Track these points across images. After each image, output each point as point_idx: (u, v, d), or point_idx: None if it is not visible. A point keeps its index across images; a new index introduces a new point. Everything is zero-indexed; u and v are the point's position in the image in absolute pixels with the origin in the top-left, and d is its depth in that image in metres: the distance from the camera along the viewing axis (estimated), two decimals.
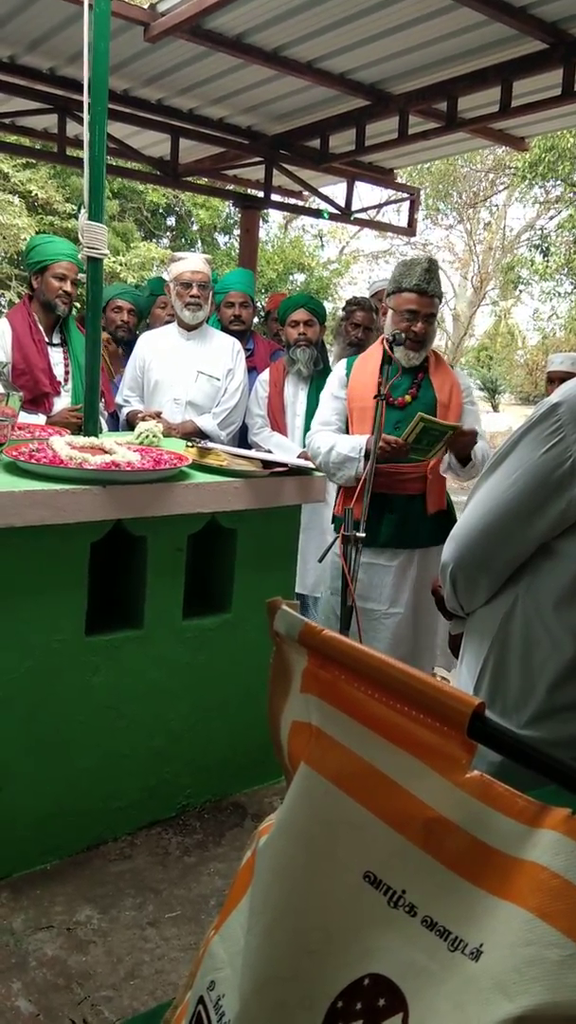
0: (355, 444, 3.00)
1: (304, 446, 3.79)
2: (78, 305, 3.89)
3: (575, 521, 1.32)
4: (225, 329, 4.33)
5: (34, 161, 12.82)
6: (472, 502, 1.45)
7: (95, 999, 1.94)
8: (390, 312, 3.09)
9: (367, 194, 16.26)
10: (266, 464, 2.82)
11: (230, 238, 17.27)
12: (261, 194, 7.02)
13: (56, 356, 3.66)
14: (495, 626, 1.45)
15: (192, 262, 3.89)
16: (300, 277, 18.22)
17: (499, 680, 1.44)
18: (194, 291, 3.82)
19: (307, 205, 7.83)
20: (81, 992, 1.96)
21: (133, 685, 2.55)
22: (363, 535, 2.74)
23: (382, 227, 9.50)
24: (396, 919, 0.69)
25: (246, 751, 2.86)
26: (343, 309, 4.37)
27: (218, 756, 2.81)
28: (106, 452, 2.59)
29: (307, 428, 3.89)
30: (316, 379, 4.03)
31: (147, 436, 2.93)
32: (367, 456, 2.89)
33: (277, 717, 0.86)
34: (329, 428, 3.18)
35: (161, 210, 16.55)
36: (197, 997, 0.80)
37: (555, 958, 0.58)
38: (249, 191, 7.40)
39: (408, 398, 3.09)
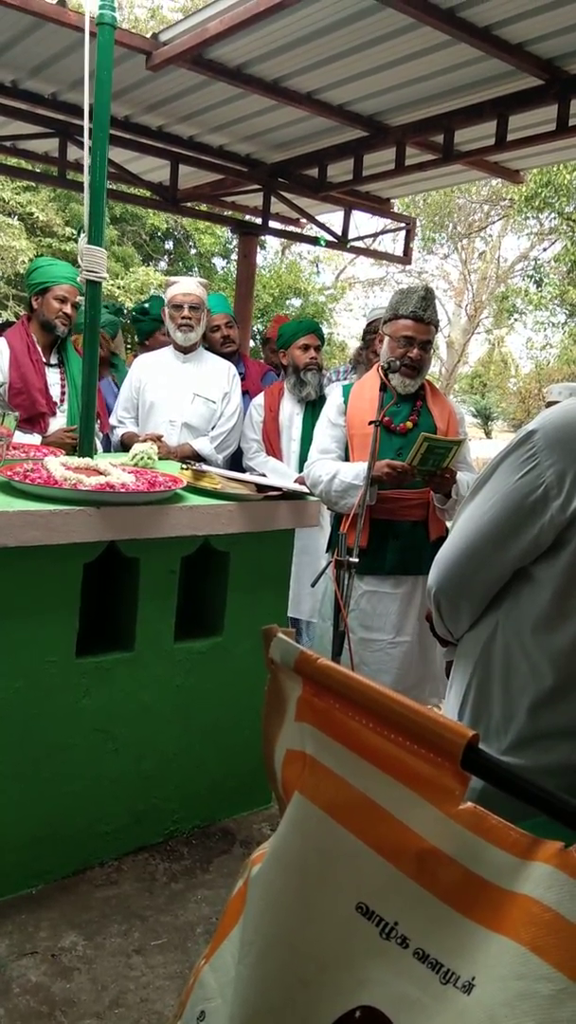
0: (358, 471, 2.99)
1: (300, 470, 3.79)
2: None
3: (549, 547, 1.34)
4: (217, 353, 4.33)
5: (34, 184, 12.93)
6: (455, 527, 1.48)
7: None
8: (386, 339, 3.12)
9: (363, 223, 16.49)
10: (260, 488, 2.83)
11: (228, 263, 17.42)
12: (259, 221, 7.09)
13: (53, 376, 3.67)
14: (478, 651, 1.46)
15: (184, 285, 3.93)
16: (296, 302, 18.37)
17: (481, 705, 1.44)
18: (185, 312, 3.85)
19: (304, 232, 7.91)
20: (65, 1020, 1.93)
21: (123, 708, 2.54)
22: (356, 560, 2.74)
23: (378, 255, 9.59)
24: (388, 951, 0.69)
25: (236, 776, 2.85)
26: (364, 336, 4.30)
27: (207, 781, 2.79)
28: (101, 473, 2.59)
29: (303, 452, 3.89)
30: (311, 403, 4.04)
31: (142, 458, 2.93)
32: (372, 483, 2.89)
33: (271, 745, 0.86)
34: (329, 456, 3.18)
35: (160, 234, 16.70)
36: None
37: (546, 992, 0.58)
38: (247, 217, 7.47)
39: (409, 424, 3.10)
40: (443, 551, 1.49)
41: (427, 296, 3.08)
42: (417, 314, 3.03)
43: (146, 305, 4.94)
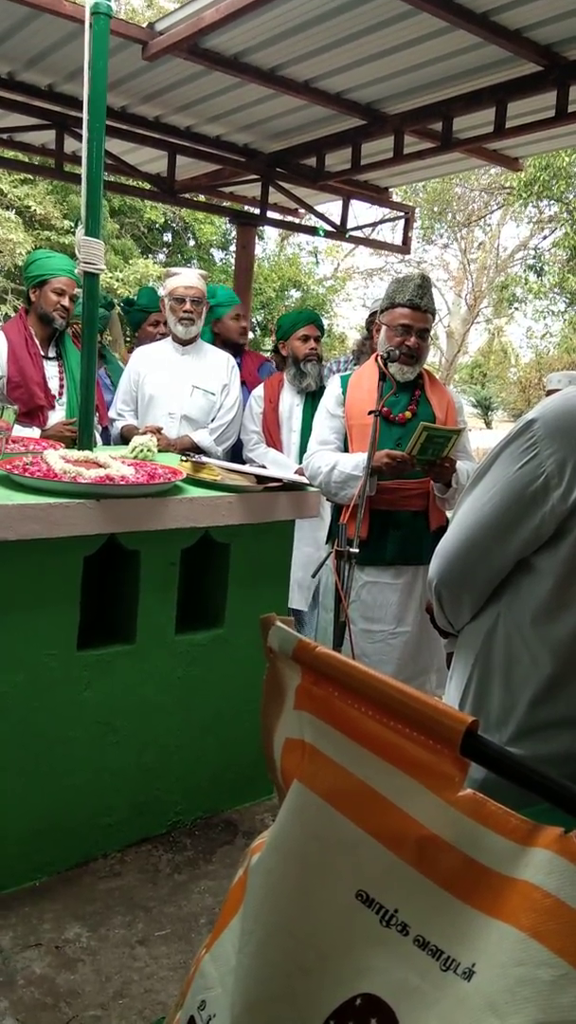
0: (357, 462, 2.98)
1: (300, 462, 3.79)
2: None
3: (550, 536, 1.33)
4: (232, 343, 4.36)
5: (32, 177, 12.89)
6: (455, 518, 1.47)
7: (83, 1018, 1.92)
8: (384, 328, 3.10)
9: (362, 212, 16.42)
10: (260, 479, 2.83)
11: (226, 254, 17.37)
12: (257, 211, 7.06)
13: (51, 370, 3.67)
14: (479, 643, 1.45)
15: (186, 277, 3.91)
16: (296, 294, 18.33)
17: (482, 697, 1.44)
18: (187, 306, 3.84)
19: (303, 222, 7.88)
20: (69, 1011, 1.94)
21: (124, 700, 2.54)
22: (356, 551, 2.74)
23: (377, 245, 9.54)
24: (388, 938, 0.69)
25: (238, 767, 2.85)
26: (367, 326, 4.28)
27: (209, 772, 2.80)
28: (100, 466, 2.59)
29: (303, 443, 3.89)
30: (311, 394, 4.03)
31: (141, 450, 2.93)
32: (371, 473, 2.88)
33: (270, 734, 0.86)
34: (328, 447, 3.17)
35: (158, 227, 16.66)
36: (188, 1017, 0.79)
37: (547, 978, 0.57)
38: (245, 208, 7.45)
39: (408, 414, 3.09)
40: (444, 542, 1.48)
41: (423, 284, 3.06)
42: (414, 302, 3.02)
43: (132, 296, 4.96)
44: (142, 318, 4.72)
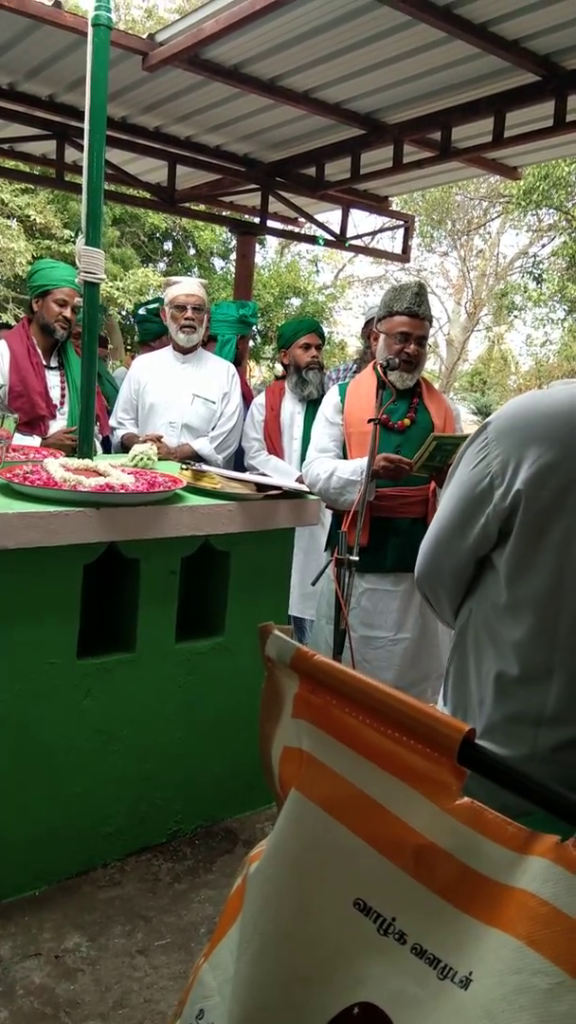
0: (356, 467, 2.99)
1: (301, 469, 3.80)
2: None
3: (501, 535, 1.35)
4: (236, 359, 4.44)
5: (32, 186, 12.95)
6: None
7: None
8: (382, 337, 3.12)
9: (362, 221, 16.50)
10: (260, 487, 2.83)
11: (227, 263, 17.43)
12: (257, 220, 7.09)
13: (53, 379, 3.67)
14: (456, 638, 1.50)
15: (186, 286, 3.92)
16: (296, 301, 18.38)
17: (460, 690, 1.48)
18: (188, 314, 3.85)
19: (303, 232, 7.91)
20: (69, 1021, 1.93)
21: (125, 709, 2.54)
22: (356, 559, 2.74)
23: (377, 254, 9.57)
24: (386, 946, 0.69)
25: (238, 776, 2.84)
26: (363, 334, 4.30)
27: (210, 781, 2.79)
28: (100, 474, 2.59)
29: (305, 451, 3.90)
30: (312, 402, 4.04)
31: (141, 459, 2.93)
32: (370, 478, 2.89)
33: (268, 743, 0.86)
34: (327, 455, 3.18)
35: (159, 235, 16.72)
36: None
37: (543, 986, 0.57)
38: (245, 217, 7.47)
39: (407, 421, 3.10)
40: (423, 540, 1.53)
41: (420, 292, 3.08)
42: (412, 310, 3.03)
43: (156, 306, 4.93)
44: (165, 330, 4.68)
